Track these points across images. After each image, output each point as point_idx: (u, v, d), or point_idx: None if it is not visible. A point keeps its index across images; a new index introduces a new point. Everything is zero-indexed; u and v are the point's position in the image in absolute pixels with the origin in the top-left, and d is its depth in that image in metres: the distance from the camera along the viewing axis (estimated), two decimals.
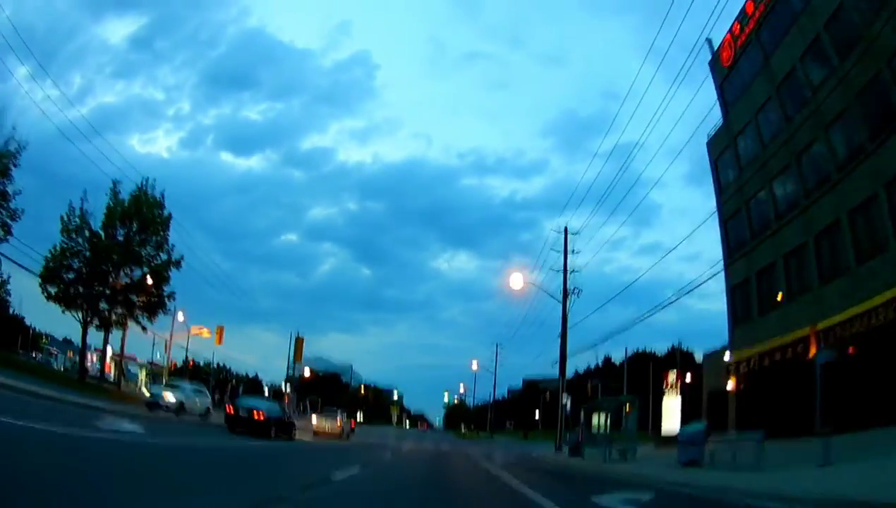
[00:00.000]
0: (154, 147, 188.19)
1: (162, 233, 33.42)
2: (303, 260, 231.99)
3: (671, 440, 34.47)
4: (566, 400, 34.51)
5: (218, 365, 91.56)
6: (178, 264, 34.20)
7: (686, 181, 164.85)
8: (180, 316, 49.45)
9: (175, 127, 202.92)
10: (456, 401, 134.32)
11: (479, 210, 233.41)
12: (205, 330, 48.96)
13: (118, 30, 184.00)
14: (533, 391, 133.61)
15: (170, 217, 33.63)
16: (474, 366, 74.44)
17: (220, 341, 47.91)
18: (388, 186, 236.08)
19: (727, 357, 31.54)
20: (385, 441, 36.97)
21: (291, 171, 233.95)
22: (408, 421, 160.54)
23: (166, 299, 34.24)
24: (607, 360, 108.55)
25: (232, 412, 23.82)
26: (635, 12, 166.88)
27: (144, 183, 32.97)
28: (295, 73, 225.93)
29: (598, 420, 28.75)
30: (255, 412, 23.47)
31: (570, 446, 29.91)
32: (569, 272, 35.96)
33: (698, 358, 52.92)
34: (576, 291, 35.05)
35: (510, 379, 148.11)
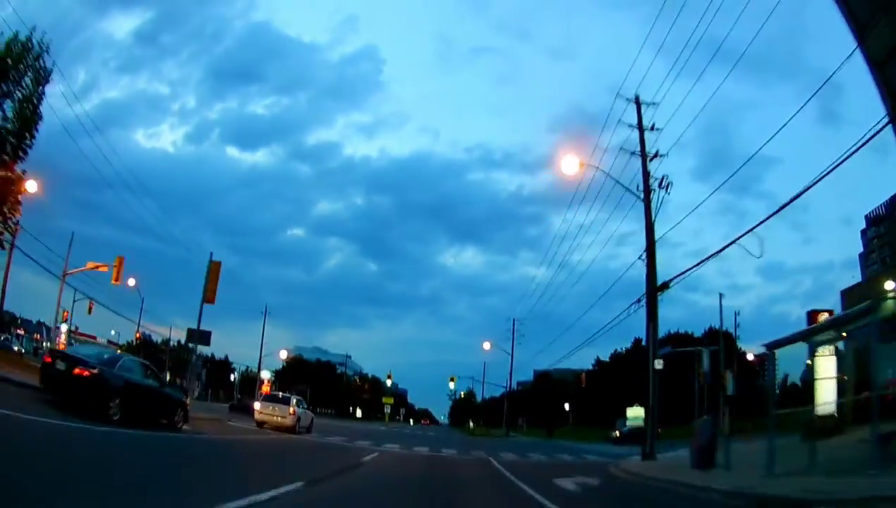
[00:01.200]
0: (159, 141, 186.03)
1: (30, 91, 22.05)
2: (309, 255, 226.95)
3: (830, 426, 19.53)
4: (660, 364, 19.85)
5: (179, 342, 77.28)
6: (31, 125, 22.00)
7: (694, 175, 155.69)
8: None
9: (180, 121, 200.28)
10: (462, 396, 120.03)
11: (485, 204, 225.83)
12: (102, 265, 37.63)
13: (123, 24, 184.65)
14: (546, 383, 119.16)
15: (49, 74, 22.35)
16: (486, 346, 59.62)
17: (117, 278, 36.17)
18: (394, 181, 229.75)
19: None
20: (355, 443, 22.73)
21: (298, 166, 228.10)
22: (411, 419, 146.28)
23: (15, 180, 22.55)
24: (637, 342, 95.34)
25: (49, 360, 14.92)
26: (645, 5, 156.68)
27: (31, 30, 21.88)
28: (301, 67, 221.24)
29: None
30: (77, 366, 13.81)
31: (702, 445, 14.90)
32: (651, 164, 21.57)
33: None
34: (665, 183, 20.58)
35: (517, 374, 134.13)
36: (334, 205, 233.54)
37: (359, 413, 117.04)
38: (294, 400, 27.27)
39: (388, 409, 60.48)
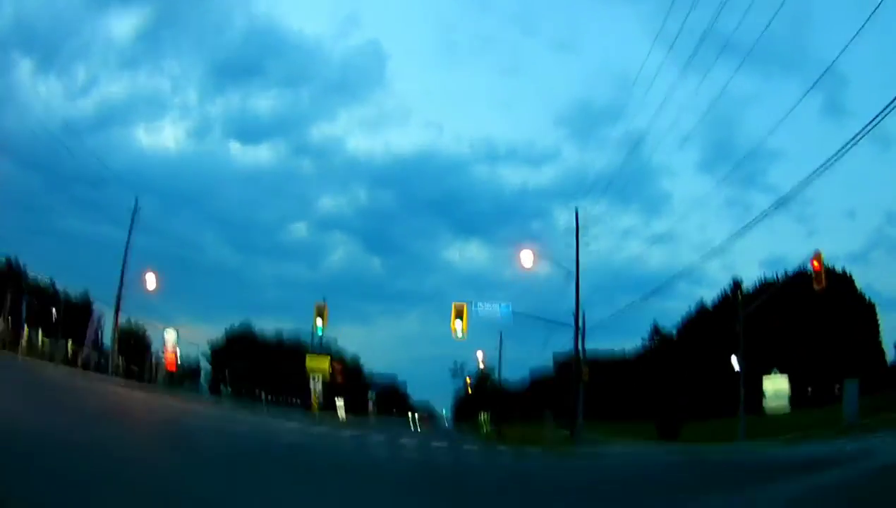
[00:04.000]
0: (160, 137, 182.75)
1: None
2: (312, 251, 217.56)
3: None
4: None
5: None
6: None
7: (697, 168, 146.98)
8: None
9: (181, 117, 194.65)
10: (469, 388, 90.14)
11: (490, 199, 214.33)
12: None
13: (123, 18, 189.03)
14: (567, 372, 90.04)
15: None
16: (526, 257, 28.14)
17: None
18: (398, 176, 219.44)
19: None
20: None
21: (301, 161, 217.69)
22: (409, 413, 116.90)
23: None
24: (702, 308, 70.62)
25: None
26: None
27: None
28: (304, 61, 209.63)
29: None
30: None
31: None
32: None
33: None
34: None
35: (520, 369, 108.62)
36: (337, 200, 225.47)
37: (339, 403, 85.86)
38: None
39: (317, 384, 28.07)
